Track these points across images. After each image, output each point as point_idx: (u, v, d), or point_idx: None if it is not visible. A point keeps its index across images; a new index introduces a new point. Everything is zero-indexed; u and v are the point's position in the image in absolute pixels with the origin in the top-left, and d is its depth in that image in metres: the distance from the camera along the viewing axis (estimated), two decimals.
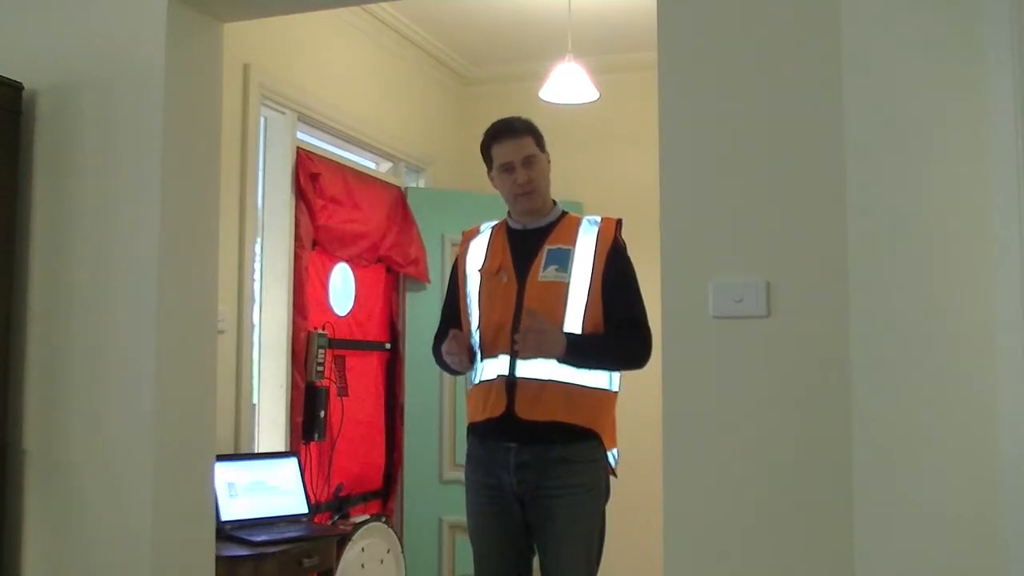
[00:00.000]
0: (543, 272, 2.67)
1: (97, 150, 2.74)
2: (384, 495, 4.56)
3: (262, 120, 3.81)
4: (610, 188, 4.81)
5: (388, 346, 4.63)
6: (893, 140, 1.98)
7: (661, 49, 2.24)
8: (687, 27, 2.23)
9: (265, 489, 3.42)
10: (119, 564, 2.61)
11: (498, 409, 2.63)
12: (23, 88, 2.78)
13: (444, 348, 2.70)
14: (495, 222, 2.87)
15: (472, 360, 2.72)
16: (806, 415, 2.07)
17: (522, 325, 2.58)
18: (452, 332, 2.69)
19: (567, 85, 4.23)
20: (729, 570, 2.11)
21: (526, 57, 5.08)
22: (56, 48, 2.81)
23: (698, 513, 2.14)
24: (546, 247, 2.71)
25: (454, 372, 2.86)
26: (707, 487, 2.14)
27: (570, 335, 2.60)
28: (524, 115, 2.82)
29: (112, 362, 2.66)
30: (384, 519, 4.11)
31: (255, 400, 3.78)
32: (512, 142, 2.72)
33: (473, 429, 2.75)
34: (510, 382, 2.62)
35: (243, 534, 3.16)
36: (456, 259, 2.91)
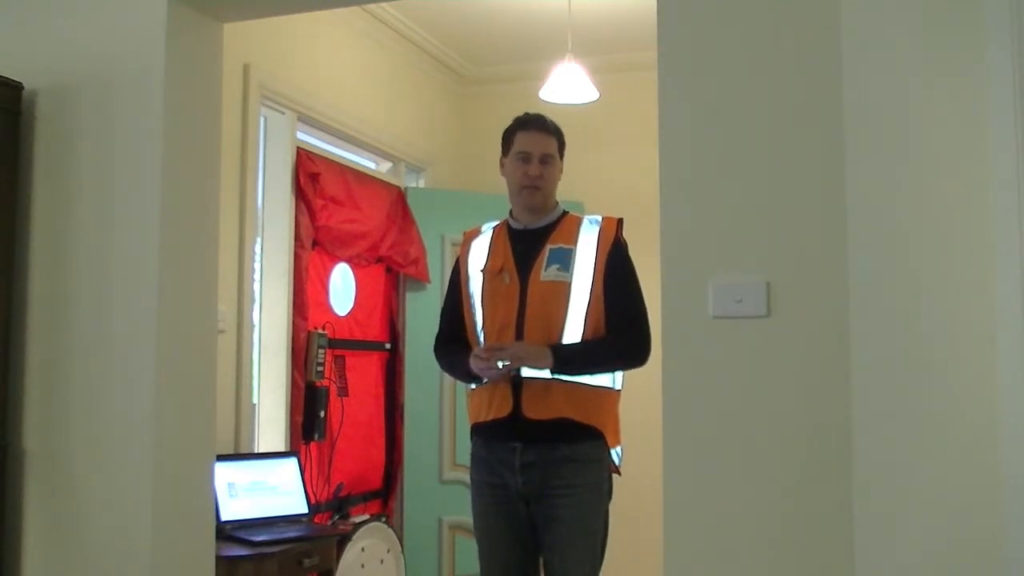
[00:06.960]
0: (545, 272, 2.68)
1: (97, 150, 2.74)
2: (384, 495, 4.56)
3: (262, 120, 3.81)
4: (610, 188, 4.81)
5: (388, 346, 4.63)
6: (893, 140, 1.98)
7: (661, 49, 2.24)
8: (687, 27, 2.23)
9: (265, 489, 3.42)
10: (119, 564, 2.61)
11: (504, 410, 2.63)
12: (23, 88, 2.78)
13: (475, 367, 2.64)
14: (496, 222, 2.88)
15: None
16: (806, 415, 2.07)
17: (501, 353, 2.58)
18: (474, 354, 2.64)
19: (567, 85, 4.22)
20: (729, 570, 2.11)
21: (526, 57, 5.08)
22: (56, 48, 2.81)
23: (698, 513, 2.14)
24: (548, 246, 2.71)
25: (468, 380, 2.78)
26: (707, 487, 2.14)
27: (557, 348, 2.60)
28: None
29: (112, 362, 2.66)
30: (384, 519, 4.12)
31: (255, 400, 3.78)
32: (539, 135, 2.76)
33: (476, 430, 2.74)
34: (515, 382, 2.63)
35: (243, 534, 3.16)
36: (457, 260, 2.91)
